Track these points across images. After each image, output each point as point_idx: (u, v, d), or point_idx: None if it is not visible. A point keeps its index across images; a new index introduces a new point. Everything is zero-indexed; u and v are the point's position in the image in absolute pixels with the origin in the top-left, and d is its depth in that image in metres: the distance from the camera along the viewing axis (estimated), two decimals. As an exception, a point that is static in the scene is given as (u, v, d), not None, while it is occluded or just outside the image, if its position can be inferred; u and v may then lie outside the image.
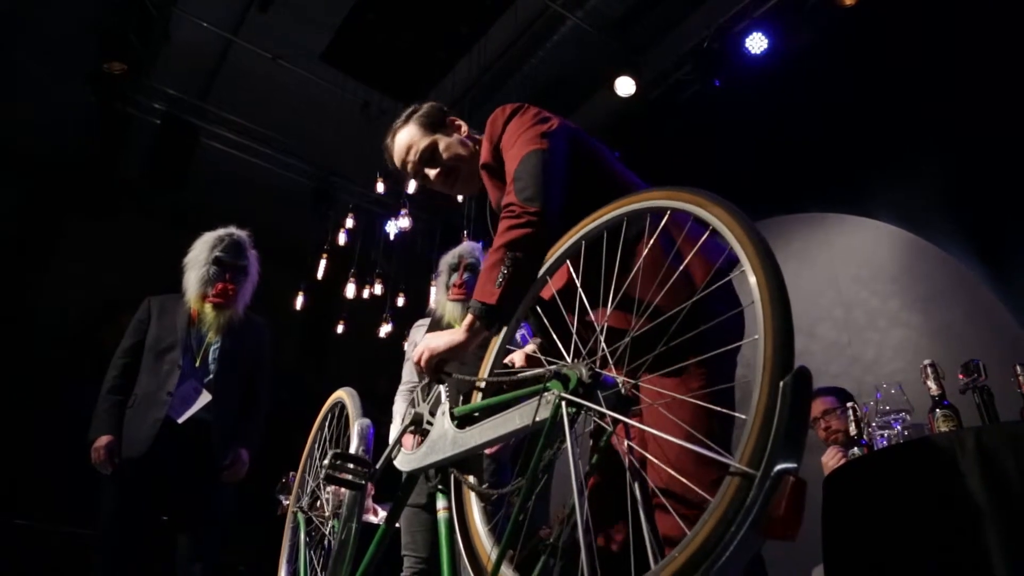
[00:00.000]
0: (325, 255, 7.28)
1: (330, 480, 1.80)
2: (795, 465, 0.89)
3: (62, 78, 6.45)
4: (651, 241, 1.36)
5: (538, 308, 1.57)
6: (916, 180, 4.66)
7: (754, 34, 5.33)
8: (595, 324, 1.37)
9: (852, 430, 2.54)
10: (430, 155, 1.92)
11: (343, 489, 2.00)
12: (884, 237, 4.95)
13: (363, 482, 1.79)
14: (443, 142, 1.92)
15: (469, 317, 1.55)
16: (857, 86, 4.97)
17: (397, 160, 1.98)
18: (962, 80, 4.37)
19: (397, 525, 3.41)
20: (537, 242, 1.50)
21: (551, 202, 1.52)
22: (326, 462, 1.81)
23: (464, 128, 1.98)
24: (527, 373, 1.36)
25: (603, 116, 6.42)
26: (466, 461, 1.52)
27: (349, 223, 7.31)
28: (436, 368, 1.64)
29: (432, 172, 1.93)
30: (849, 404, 2.67)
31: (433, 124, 1.94)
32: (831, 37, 5.10)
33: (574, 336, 1.31)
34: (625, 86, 5.86)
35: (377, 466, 1.82)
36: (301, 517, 2.31)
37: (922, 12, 4.58)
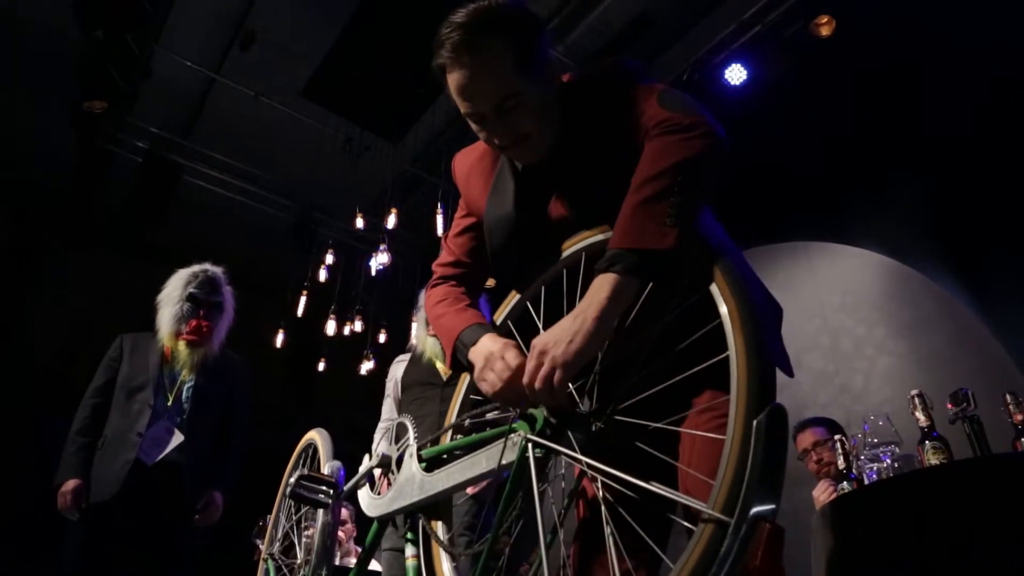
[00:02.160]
0: (306, 291, 7.21)
1: (296, 498, 1.74)
2: (772, 507, 0.83)
3: (44, 113, 6.42)
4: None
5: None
6: (898, 208, 4.68)
7: (733, 65, 5.37)
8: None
9: (841, 463, 2.48)
10: (513, 106, 1.31)
11: (315, 533, 1.94)
12: (868, 265, 4.95)
13: (330, 501, 1.74)
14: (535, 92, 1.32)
15: (612, 279, 1.06)
16: (837, 115, 5.00)
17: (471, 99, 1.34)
18: (941, 107, 4.41)
19: (376, 566, 3.31)
20: (717, 162, 1.16)
21: (714, 120, 1.20)
22: (292, 480, 1.76)
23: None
24: (494, 415, 1.30)
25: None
26: (434, 506, 1.45)
27: (329, 259, 7.27)
28: (564, 386, 1.09)
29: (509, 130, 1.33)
30: (837, 437, 2.61)
31: (527, 60, 1.32)
32: (810, 67, 5.14)
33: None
34: (607, 119, 5.87)
35: (345, 488, 1.77)
36: (271, 564, 2.22)
37: (898, 41, 4.63)
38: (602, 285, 1.06)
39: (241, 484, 3.33)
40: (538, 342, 1.11)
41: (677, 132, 1.13)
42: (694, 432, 1.26)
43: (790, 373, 1.26)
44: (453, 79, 1.29)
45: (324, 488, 1.75)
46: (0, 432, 6.47)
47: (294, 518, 2.27)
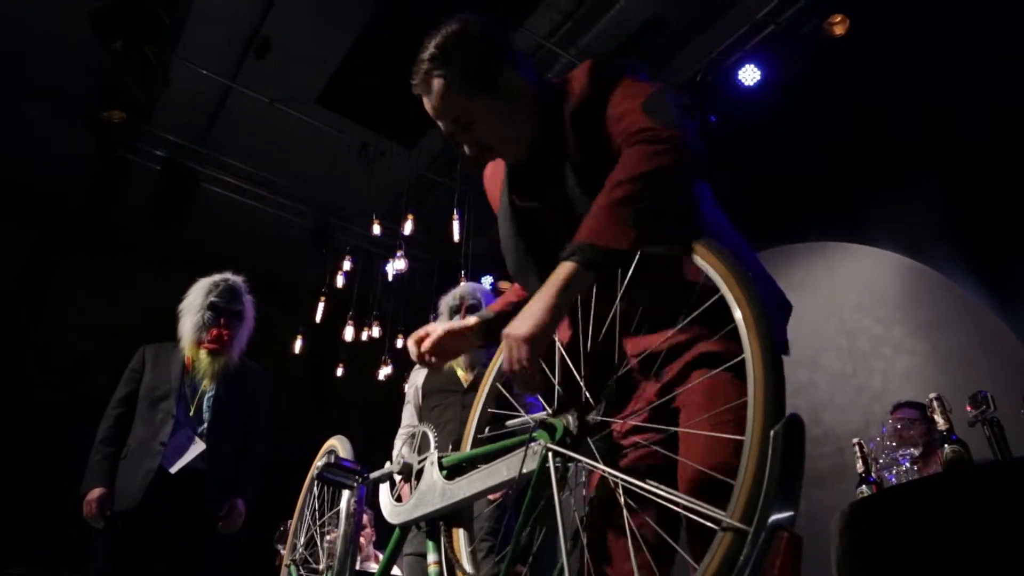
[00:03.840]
0: (323, 298, 7.26)
1: (322, 480, 1.82)
2: (790, 515, 0.84)
3: (64, 123, 6.52)
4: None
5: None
6: (916, 206, 4.65)
7: (746, 66, 5.36)
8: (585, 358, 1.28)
9: (859, 467, 2.47)
10: (467, 123, 1.49)
11: (337, 538, 1.97)
12: (886, 264, 4.92)
13: (355, 483, 1.78)
14: (486, 103, 1.47)
15: (569, 266, 1.17)
16: (853, 114, 4.98)
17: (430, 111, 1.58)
18: (958, 105, 4.38)
19: (396, 573, 3.34)
20: (683, 176, 1.22)
21: (694, 138, 1.25)
22: (320, 463, 1.83)
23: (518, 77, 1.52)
24: (515, 422, 1.32)
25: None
26: (456, 513, 1.47)
27: (347, 265, 7.31)
28: (537, 362, 1.19)
29: (467, 141, 1.52)
30: (856, 440, 2.60)
31: (476, 77, 1.47)
32: (824, 66, 5.12)
33: (556, 386, 1.26)
34: (620, 121, 5.88)
35: (371, 476, 1.81)
36: (295, 570, 2.24)
37: (915, 38, 4.60)
38: (560, 272, 1.17)
39: (260, 490, 3.37)
40: (505, 330, 1.21)
41: (654, 143, 1.20)
42: (707, 433, 1.26)
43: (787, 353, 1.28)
44: (425, 105, 1.51)
45: (349, 473, 1.80)
46: (22, 440, 6.57)
47: (317, 523, 2.30)
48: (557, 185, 1.42)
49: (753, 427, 0.88)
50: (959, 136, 4.36)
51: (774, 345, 0.95)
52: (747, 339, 0.97)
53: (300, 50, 6.19)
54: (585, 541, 1.22)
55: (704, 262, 1.09)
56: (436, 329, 1.63)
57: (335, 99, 6.60)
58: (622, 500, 1.17)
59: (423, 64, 1.46)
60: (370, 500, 2.04)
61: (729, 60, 5.50)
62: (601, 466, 1.08)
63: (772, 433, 0.86)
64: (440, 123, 1.50)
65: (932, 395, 2.30)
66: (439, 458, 1.50)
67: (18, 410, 6.77)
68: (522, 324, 1.18)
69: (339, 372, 7.61)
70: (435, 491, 1.45)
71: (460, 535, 1.45)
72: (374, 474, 1.83)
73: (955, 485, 1.87)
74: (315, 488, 2.27)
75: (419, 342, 1.63)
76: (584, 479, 1.26)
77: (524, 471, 1.18)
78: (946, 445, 2.16)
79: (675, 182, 1.19)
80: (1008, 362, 4.03)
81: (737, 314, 1.00)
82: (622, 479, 1.05)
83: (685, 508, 0.97)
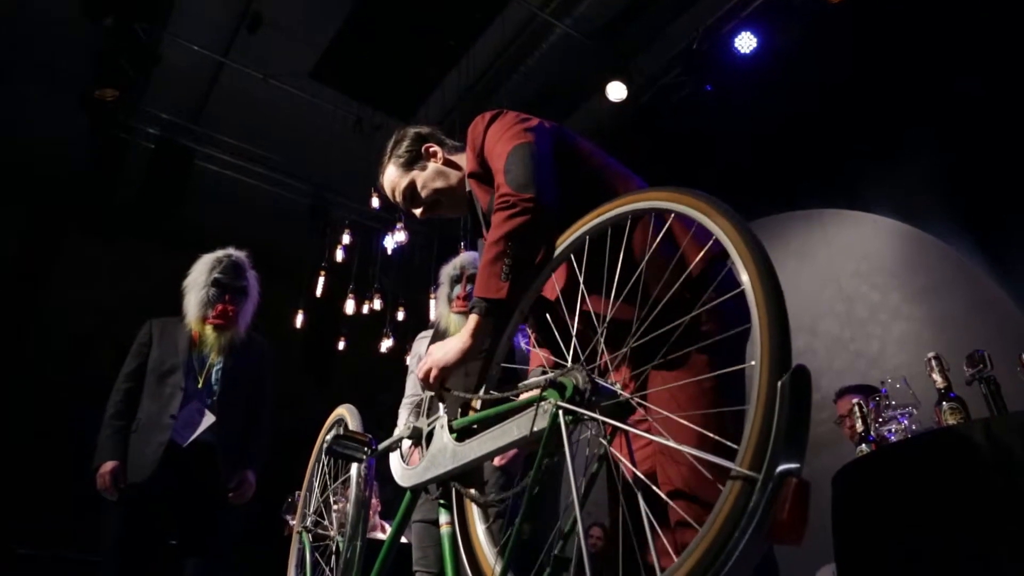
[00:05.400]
0: (323, 272, 7.28)
1: (332, 453, 1.86)
2: (798, 466, 0.87)
3: (59, 103, 6.47)
4: (648, 232, 1.37)
5: (539, 310, 1.55)
6: (913, 173, 4.66)
7: (743, 34, 5.33)
8: (597, 318, 1.34)
9: (859, 427, 2.51)
10: (411, 194, 1.95)
11: (348, 505, 2.00)
12: (883, 231, 4.95)
13: (364, 456, 1.84)
14: (420, 179, 1.93)
15: (474, 318, 1.50)
16: (849, 81, 4.97)
17: (389, 197, 2.04)
18: (956, 70, 4.37)
19: (404, 540, 3.39)
20: (537, 229, 1.48)
21: (546, 188, 1.51)
22: (330, 437, 1.88)
23: (440, 154, 1.97)
24: (524, 383, 1.35)
25: (595, 122, 6.43)
26: (467, 474, 1.50)
27: (346, 239, 7.32)
28: (444, 382, 1.60)
29: (416, 210, 1.98)
30: (856, 400, 2.64)
31: (410, 161, 1.96)
32: (820, 33, 5.10)
33: (574, 341, 1.29)
34: (616, 91, 5.87)
35: (379, 447, 1.85)
36: (306, 537, 2.28)
37: (910, 4, 4.58)
38: (470, 321, 1.52)
39: (264, 462, 3.40)
40: (431, 348, 1.61)
41: (507, 209, 1.49)
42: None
43: None
44: None
45: (359, 445, 1.83)
46: (30, 421, 6.61)
47: (330, 488, 2.34)
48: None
49: (760, 378, 0.91)
50: (955, 103, 4.36)
51: (780, 300, 0.97)
52: (753, 298, 0.99)
53: (292, 25, 6.14)
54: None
55: (707, 219, 1.10)
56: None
57: (329, 74, 6.57)
58: (628, 461, 1.22)
59: (381, 163, 2.04)
60: (376, 472, 2.07)
61: (725, 28, 5.47)
62: (611, 421, 1.11)
63: (780, 383, 0.88)
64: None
65: (930, 354, 2.33)
66: (449, 421, 1.53)
67: (20, 391, 6.80)
68: (443, 354, 1.57)
69: (340, 345, 7.64)
70: (446, 453, 1.48)
71: (471, 494, 1.48)
72: (383, 444, 1.85)
73: (951, 440, 1.91)
74: (324, 457, 2.30)
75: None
76: (590, 434, 1.28)
77: (535, 429, 1.21)
78: (944, 402, 2.20)
79: (527, 237, 1.47)
80: (1004, 326, 4.07)
81: (744, 277, 1.02)
82: (632, 431, 1.08)
83: (695, 458, 1.00)
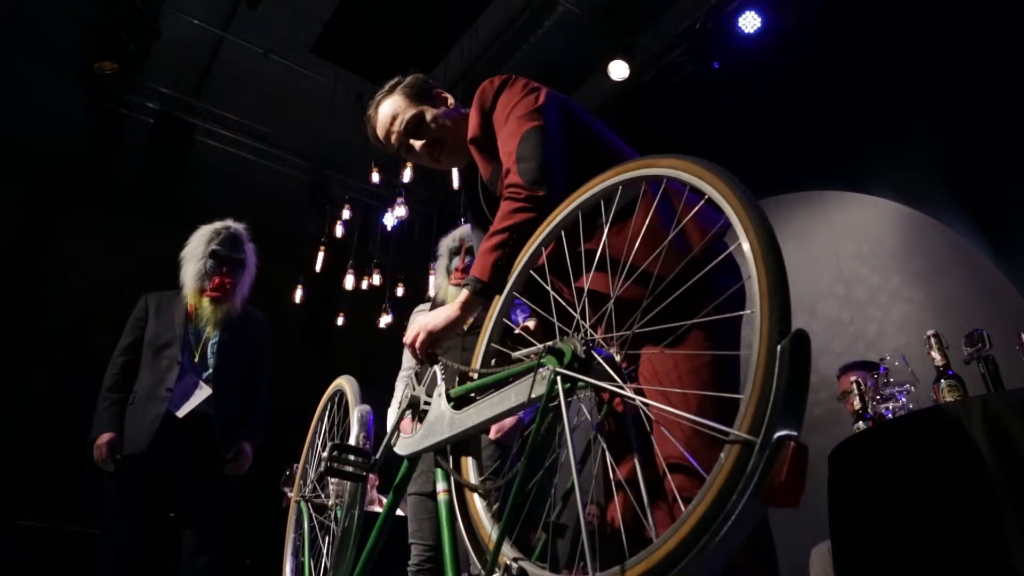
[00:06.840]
0: (323, 247, 7.27)
1: (330, 473, 1.78)
2: (796, 432, 0.87)
3: (57, 78, 6.43)
4: (650, 208, 1.34)
5: (534, 282, 1.52)
6: (914, 155, 4.64)
7: (747, 13, 5.30)
8: (589, 292, 1.33)
9: (857, 404, 2.52)
10: (416, 125, 1.87)
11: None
12: (884, 213, 4.93)
13: (364, 473, 1.77)
14: (430, 113, 1.86)
15: (465, 293, 1.53)
16: (852, 62, 4.93)
17: (380, 131, 1.93)
18: (958, 53, 4.34)
19: (400, 513, 3.40)
20: (540, 221, 1.48)
21: (557, 185, 1.51)
22: (325, 454, 1.80)
23: (451, 100, 1.93)
24: (522, 352, 1.34)
25: (597, 101, 6.38)
26: (465, 443, 1.50)
27: (346, 215, 7.30)
28: (430, 348, 1.62)
29: (418, 143, 1.88)
30: (854, 378, 2.64)
31: (419, 95, 1.89)
32: (824, 14, 5.06)
33: (579, 310, 1.29)
34: (618, 70, 5.83)
35: (377, 455, 1.80)
36: (304, 507, 2.29)
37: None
38: (462, 295, 1.55)
39: (262, 435, 3.41)
40: (422, 317, 1.65)
41: (516, 202, 1.52)
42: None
43: None
44: None
45: (358, 459, 1.76)
46: (30, 396, 6.63)
47: (320, 469, 2.33)
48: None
49: (760, 343, 0.90)
50: (959, 85, 4.33)
51: (780, 264, 0.96)
52: (753, 262, 0.99)
53: (293, -1, 6.09)
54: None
55: (718, 194, 1.09)
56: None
57: (330, 49, 6.51)
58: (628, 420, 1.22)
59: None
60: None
61: (729, 7, 5.43)
62: (610, 386, 1.10)
63: (779, 348, 0.87)
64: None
65: (929, 332, 2.33)
66: (446, 390, 1.53)
67: (20, 365, 6.81)
68: (433, 320, 1.61)
69: (340, 321, 7.65)
70: (443, 421, 1.48)
71: (469, 462, 1.48)
72: (379, 451, 1.79)
73: (949, 417, 1.91)
74: (324, 420, 2.30)
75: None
76: (587, 395, 1.27)
77: (533, 396, 1.21)
78: (942, 380, 2.20)
79: (528, 229, 1.49)
80: (1003, 308, 4.07)
81: (745, 245, 1.01)
82: (628, 397, 1.08)
83: (693, 424, 1.00)
